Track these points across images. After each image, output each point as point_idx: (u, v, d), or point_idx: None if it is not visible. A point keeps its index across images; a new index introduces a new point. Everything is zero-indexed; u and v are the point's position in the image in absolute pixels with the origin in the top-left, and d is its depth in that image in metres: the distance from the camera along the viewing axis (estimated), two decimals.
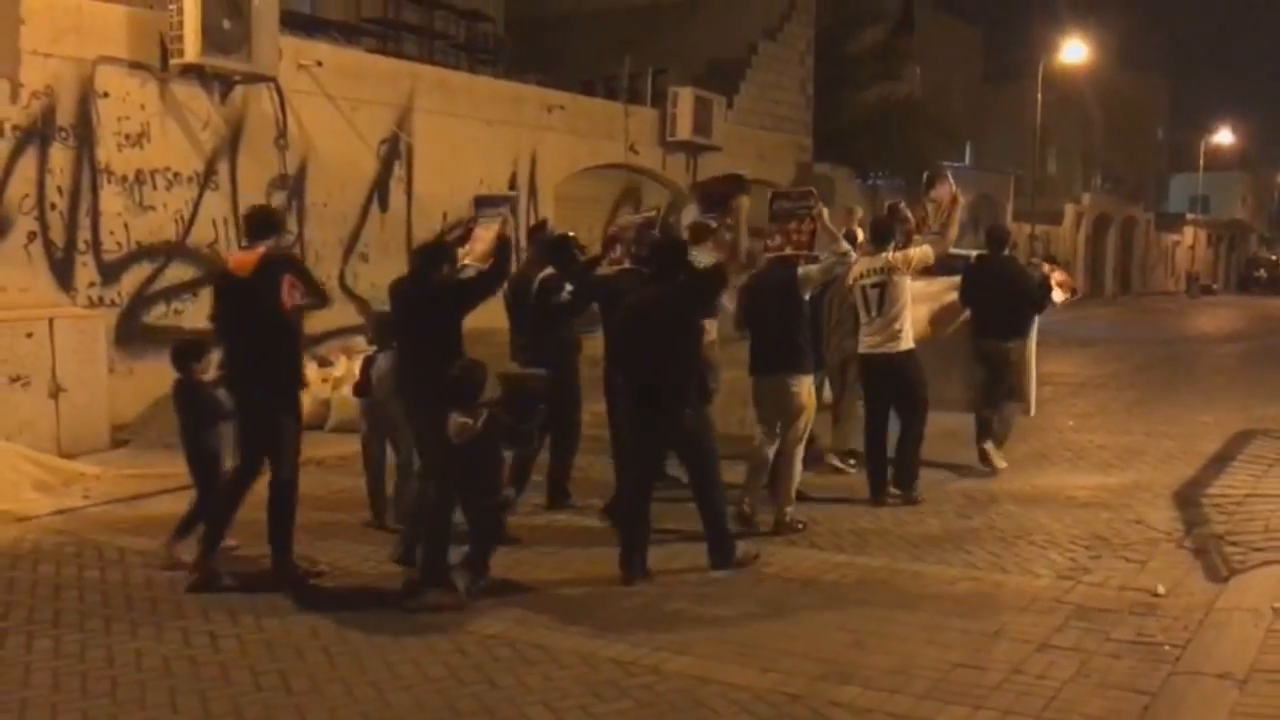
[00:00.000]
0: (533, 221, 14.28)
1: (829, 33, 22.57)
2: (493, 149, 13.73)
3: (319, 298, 6.22)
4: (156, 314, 10.15)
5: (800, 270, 7.09)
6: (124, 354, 9.72)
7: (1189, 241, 53.79)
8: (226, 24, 9.97)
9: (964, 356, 8.83)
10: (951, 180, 8.77)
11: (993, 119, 40.00)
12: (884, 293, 7.63)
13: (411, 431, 6.38)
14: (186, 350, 6.37)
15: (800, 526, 7.03)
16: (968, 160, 35.10)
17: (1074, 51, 33.59)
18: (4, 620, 5.40)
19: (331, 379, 10.27)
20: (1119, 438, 10.29)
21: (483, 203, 7.22)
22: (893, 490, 7.77)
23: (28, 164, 9.20)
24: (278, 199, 11.12)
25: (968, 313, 8.88)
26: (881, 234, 7.91)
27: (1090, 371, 15.43)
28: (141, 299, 9.94)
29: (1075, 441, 10.11)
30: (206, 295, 10.13)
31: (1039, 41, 35.57)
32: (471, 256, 6.60)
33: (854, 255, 7.63)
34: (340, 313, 11.70)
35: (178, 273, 10.22)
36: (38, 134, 9.23)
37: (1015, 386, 8.85)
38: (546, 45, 21.33)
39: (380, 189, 12.30)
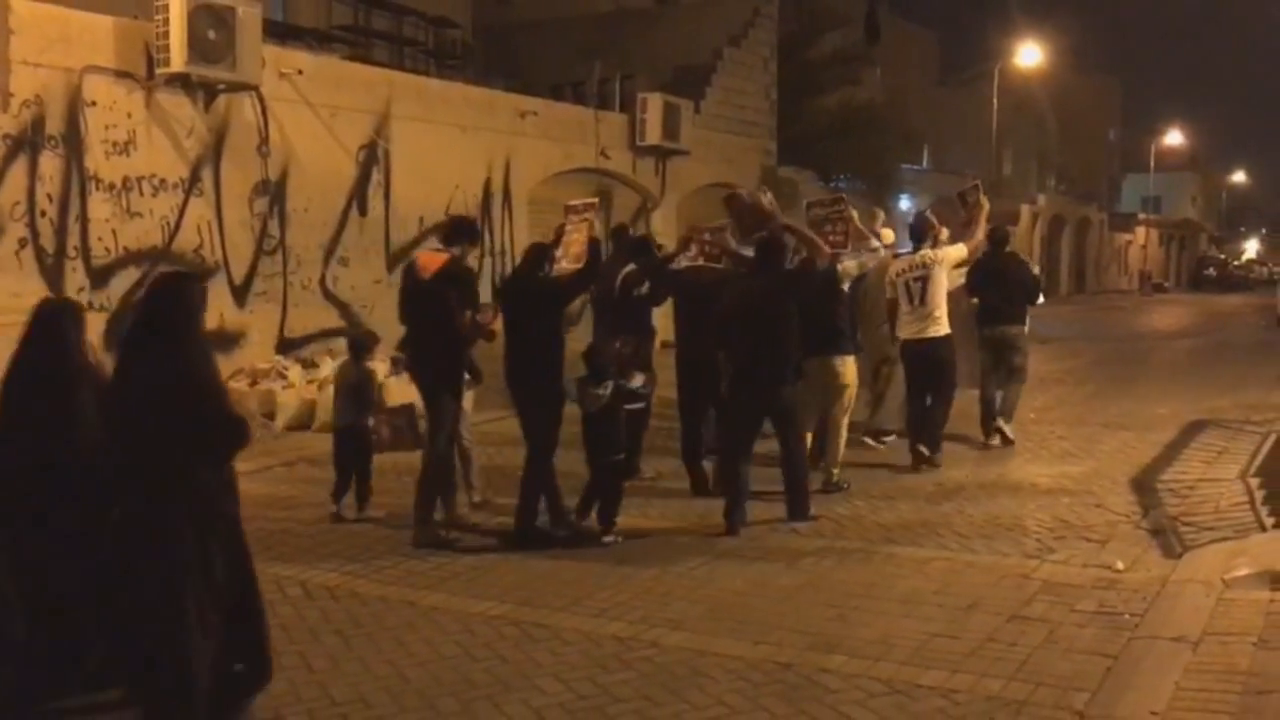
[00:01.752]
0: (507, 227, 14.69)
1: (792, 38, 23.00)
2: (468, 154, 13.99)
3: (476, 313, 6.90)
4: None
5: (839, 265, 8.08)
6: (113, 357, 9.87)
7: (1141, 241, 54.87)
8: (211, 34, 10.16)
9: (967, 341, 9.72)
10: (981, 192, 9.78)
11: (949, 122, 40.70)
12: (925, 286, 8.77)
13: (516, 408, 7.08)
14: (361, 342, 7.56)
15: (845, 486, 8.07)
16: (925, 163, 35.69)
17: (1028, 55, 34.29)
18: None
19: (317, 380, 10.52)
20: (1078, 429, 10.74)
21: (572, 210, 7.82)
22: (921, 449, 8.80)
23: (18, 172, 9.36)
24: (260, 205, 11.35)
25: (974, 302, 9.86)
26: (920, 234, 9.18)
27: (1049, 367, 15.92)
28: (130, 303, 10.09)
29: (1037, 433, 10.55)
30: None
31: (994, 45, 36.34)
32: (566, 258, 7.27)
33: (883, 250, 9.05)
34: (322, 316, 11.99)
35: None
36: (27, 142, 9.40)
37: (1019, 367, 9.89)
38: (514, 51, 21.61)
39: (359, 194, 12.53)
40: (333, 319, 12.07)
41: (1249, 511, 7.12)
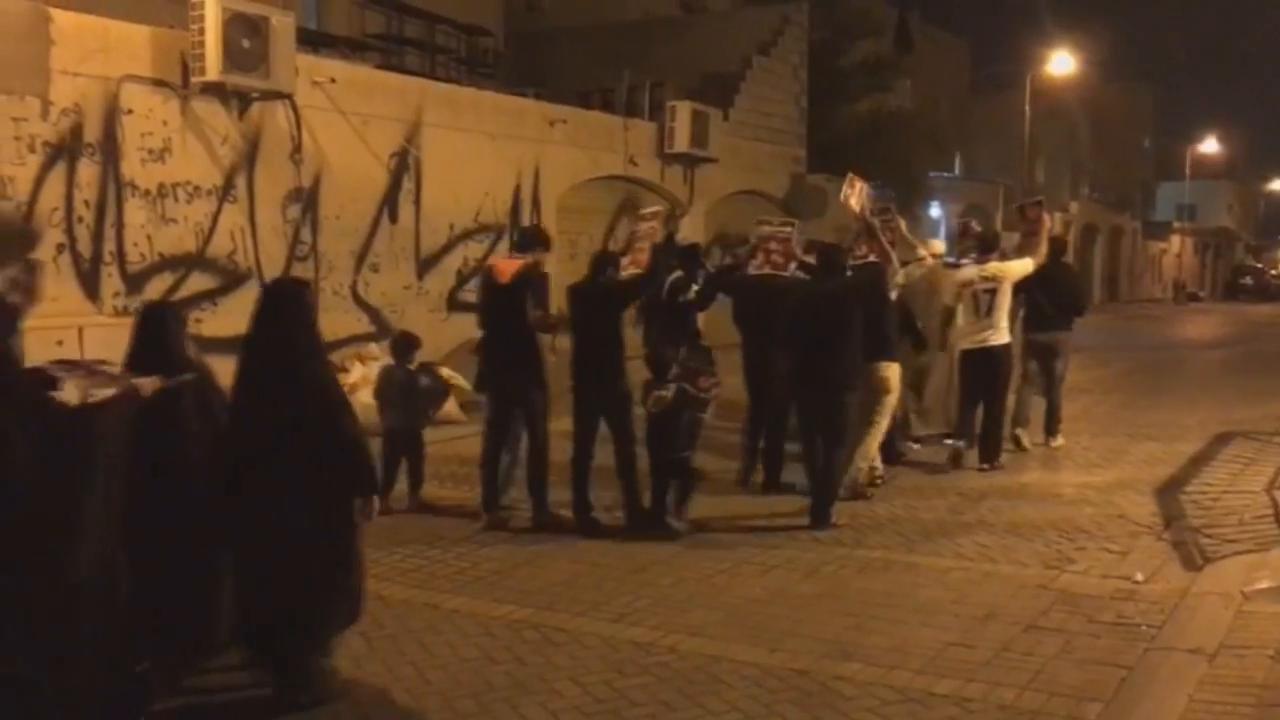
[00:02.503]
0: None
1: (822, 46, 23.02)
2: (498, 162, 14.12)
3: (544, 311, 7.45)
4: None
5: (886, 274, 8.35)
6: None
7: (1176, 249, 54.44)
8: (246, 43, 10.34)
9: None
10: (1044, 207, 10.35)
11: (982, 130, 40.55)
12: (993, 298, 9.14)
13: (582, 406, 7.46)
14: (404, 344, 8.00)
15: (870, 495, 8.21)
16: (957, 170, 35.59)
17: (1061, 63, 34.12)
18: None
19: (347, 385, 10.64)
20: (1104, 439, 10.71)
21: (640, 218, 8.17)
22: (981, 466, 9.14)
23: (57, 179, 9.56)
24: (292, 212, 11.51)
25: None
26: (989, 246, 9.60)
27: (1077, 376, 15.74)
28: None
29: (1061, 443, 10.50)
30: (226, 304, 10.62)
31: (1027, 53, 36.17)
32: (635, 264, 7.62)
33: (930, 259, 9.43)
34: (352, 321, 12.13)
35: (198, 282, 10.57)
36: (66, 150, 9.59)
37: (1060, 374, 10.22)
38: (544, 59, 21.79)
39: (390, 201, 12.67)
40: (363, 324, 12.21)
41: (1273, 524, 7.09)
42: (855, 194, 8.81)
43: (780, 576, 6.34)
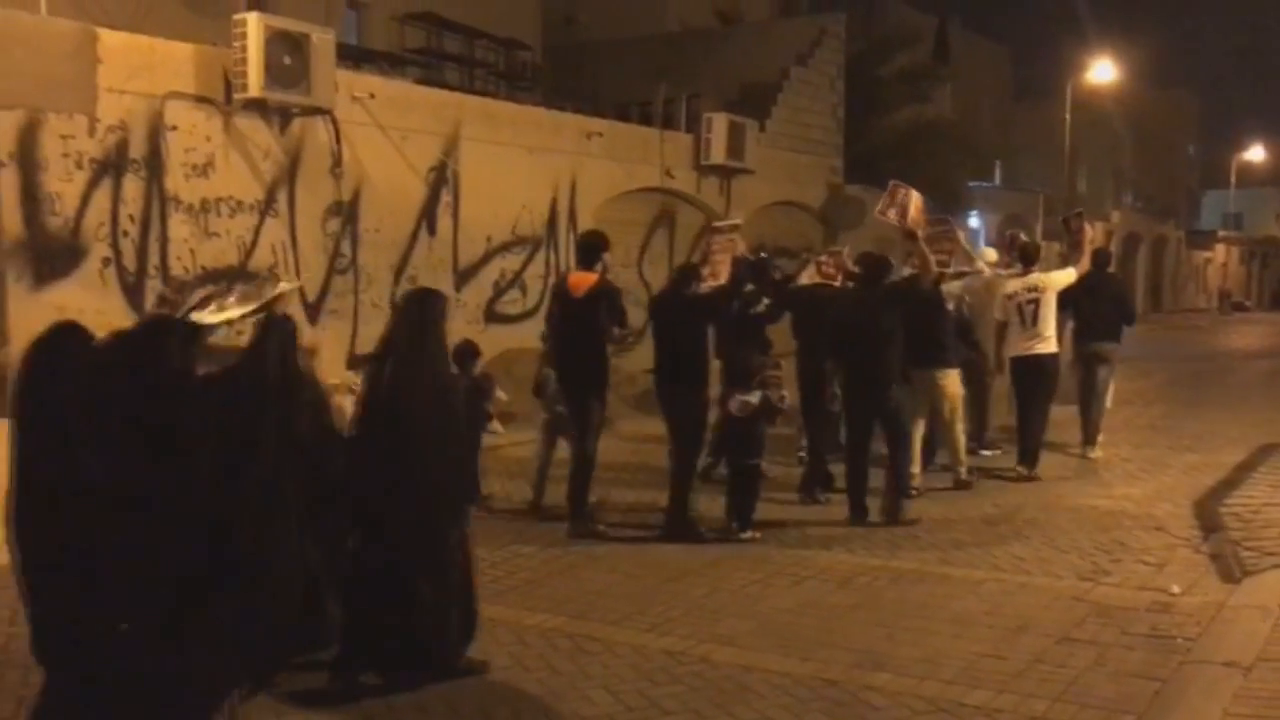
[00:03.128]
0: (572, 246, 14.89)
1: (861, 57, 22.98)
2: (535, 175, 14.23)
3: (622, 326, 7.79)
4: (219, 335, 10.66)
5: (944, 285, 8.66)
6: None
7: (1221, 259, 53.72)
8: (287, 60, 10.50)
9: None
10: (1086, 220, 10.63)
11: (1022, 138, 40.24)
12: (1037, 308, 9.38)
13: (665, 409, 7.76)
14: (465, 352, 7.82)
15: (973, 483, 8.80)
16: (997, 180, 35.36)
17: (1103, 71, 33.82)
18: None
19: None
20: (1144, 450, 10.64)
21: (716, 230, 8.53)
22: (1020, 465, 9.39)
23: (102, 194, 9.74)
24: (332, 225, 11.67)
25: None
26: (1032, 257, 9.77)
27: (1117, 387, 15.68)
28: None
29: (1102, 455, 10.45)
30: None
31: (1068, 60, 35.87)
32: (713, 277, 7.97)
33: (987, 270, 9.84)
34: None
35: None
36: (112, 166, 9.77)
37: (1105, 382, 10.40)
38: (582, 72, 21.92)
39: (429, 215, 12.80)
40: None
41: None
42: (896, 205, 8.77)
43: (813, 587, 6.35)
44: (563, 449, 8.12)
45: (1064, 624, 5.59)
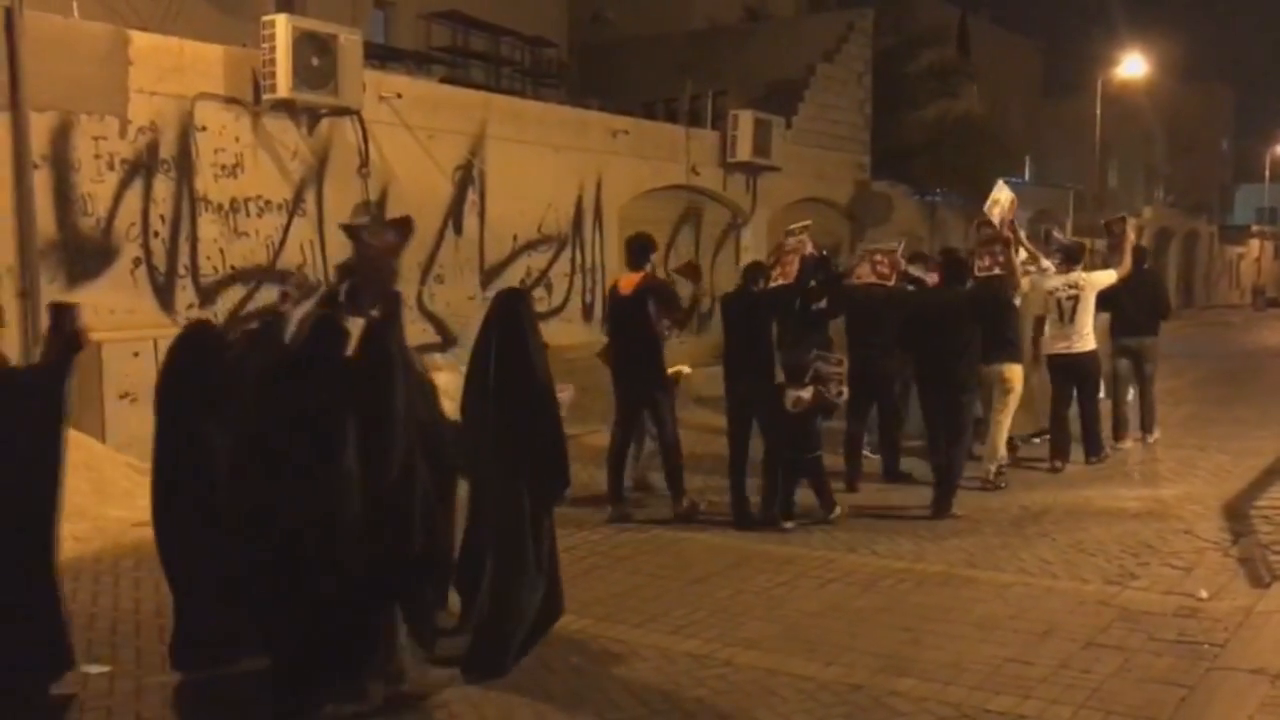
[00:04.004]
0: (598, 244, 14.94)
1: (888, 53, 22.88)
2: (561, 173, 14.27)
3: (677, 315, 8.44)
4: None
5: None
6: None
7: (1254, 254, 53.11)
8: (315, 61, 10.57)
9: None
10: (1129, 223, 11.05)
11: (1053, 133, 39.97)
12: (1076, 305, 9.63)
13: (733, 399, 8.15)
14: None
15: (1004, 485, 8.90)
16: (1027, 176, 35.12)
17: (1134, 65, 33.52)
18: (137, 614, 5.96)
19: None
20: (1173, 451, 10.54)
21: (789, 233, 8.76)
22: (1090, 459, 9.82)
23: (133, 195, 9.84)
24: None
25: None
26: (1074, 257, 10.04)
27: None
28: (236, 320, 10.52)
29: (1130, 455, 10.39)
30: (298, 316, 10.84)
31: (1099, 55, 35.56)
32: (783, 276, 8.22)
33: (1052, 270, 10.04)
34: (417, 331, 12.31)
35: (269, 295, 10.77)
36: (143, 166, 9.87)
37: (1150, 376, 10.78)
38: (608, 69, 21.93)
39: (455, 214, 12.86)
40: (428, 334, 12.39)
41: None
42: (1000, 204, 9.28)
43: (838, 590, 6.35)
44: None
45: (1090, 629, 5.56)
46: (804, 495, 7.90)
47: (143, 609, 6.05)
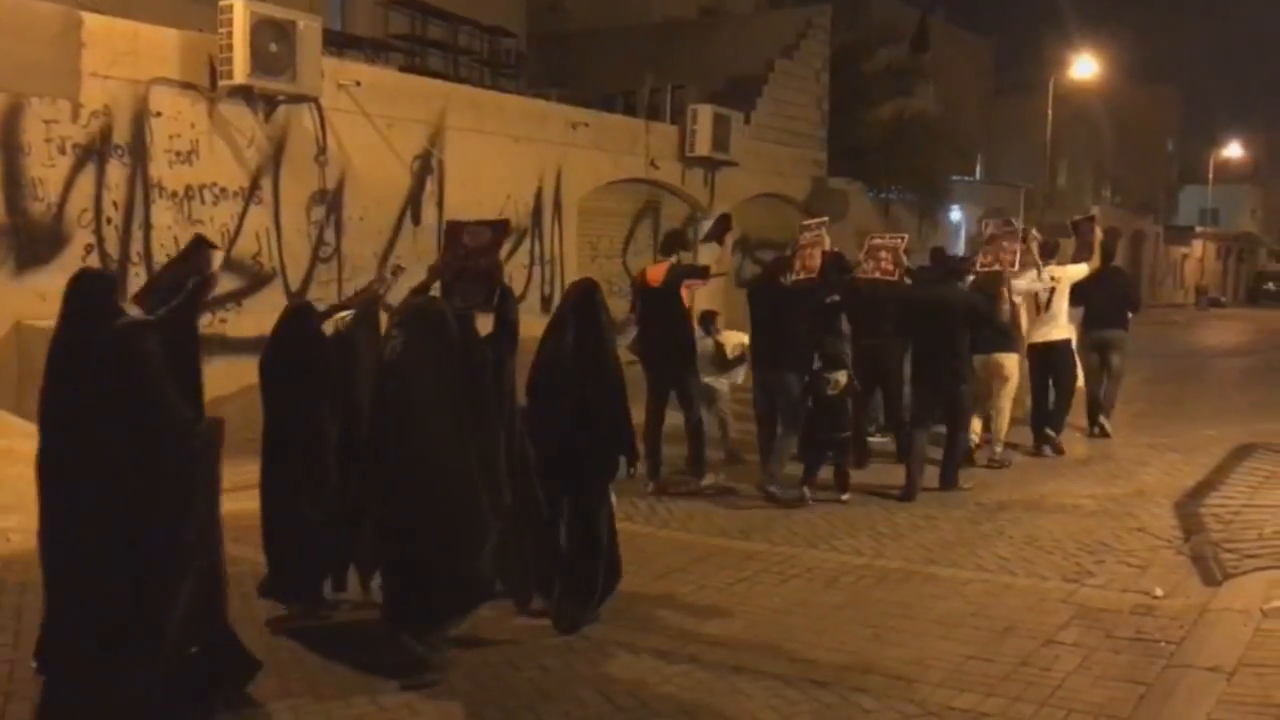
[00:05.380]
0: (557, 235, 14.88)
1: (845, 50, 22.97)
2: (520, 164, 14.18)
3: (702, 274, 8.89)
4: (202, 323, 10.57)
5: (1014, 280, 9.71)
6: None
7: (1198, 254, 54.04)
8: (273, 47, 10.41)
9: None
10: (1098, 223, 12.02)
11: (1004, 132, 40.38)
12: (1051, 297, 10.38)
13: (763, 387, 8.85)
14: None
15: (1008, 463, 9.76)
16: (979, 174, 35.46)
17: (1084, 66, 33.96)
18: None
19: None
20: (1123, 449, 10.71)
21: (805, 227, 9.23)
22: (1048, 432, 10.46)
23: (86, 180, 9.66)
24: (317, 213, 11.59)
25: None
26: (1051, 252, 10.69)
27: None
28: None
29: (1081, 452, 10.55)
30: (251, 305, 10.72)
31: (1050, 55, 36.01)
32: (805, 270, 8.70)
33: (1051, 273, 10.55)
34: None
35: (224, 283, 10.54)
36: (95, 151, 9.69)
37: (1118, 367, 11.43)
38: (567, 60, 21.82)
39: (413, 204, 12.74)
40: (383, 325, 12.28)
41: None
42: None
43: (800, 586, 6.38)
44: None
45: (1049, 626, 5.63)
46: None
47: None
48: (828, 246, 8.90)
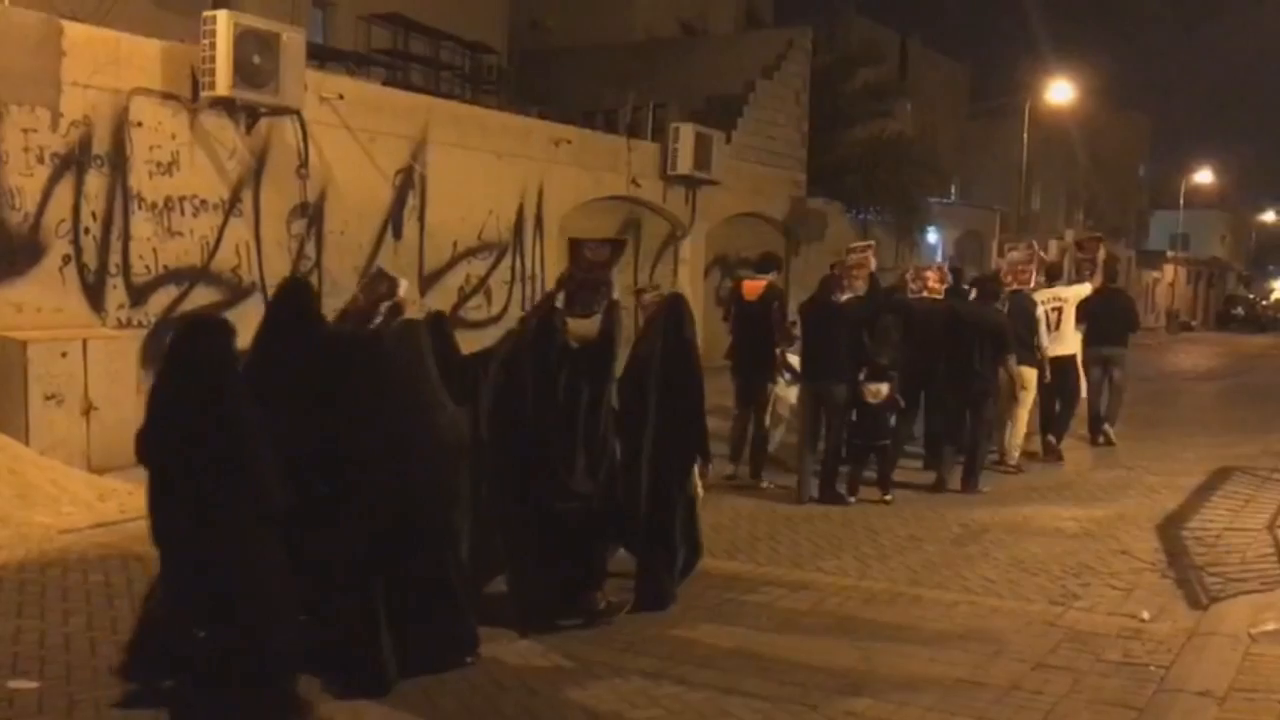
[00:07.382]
0: (538, 252, 14.84)
1: (825, 71, 23.10)
2: (502, 180, 14.14)
3: (782, 328, 9.73)
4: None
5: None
6: (151, 374, 10.02)
7: (1169, 279, 54.58)
8: (256, 59, 10.34)
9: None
10: (1104, 243, 12.84)
11: (979, 155, 40.69)
12: (1060, 315, 11.21)
13: (816, 397, 9.35)
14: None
15: (1021, 469, 10.61)
16: (954, 196, 35.69)
17: (1059, 91, 34.26)
18: (65, 625, 5.74)
19: None
20: (1103, 472, 10.75)
21: (851, 250, 10.28)
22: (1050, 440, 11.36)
23: (65, 190, 9.53)
24: (297, 227, 11.51)
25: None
26: (1056, 274, 11.79)
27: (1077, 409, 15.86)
28: (168, 321, 10.22)
29: (1062, 475, 10.58)
30: (231, 317, 10.56)
31: (1024, 79, 36.29)
32: (851, 289, 9.59)
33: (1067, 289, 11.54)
34: None
35: (203, 296, 10.53)
36: (75, 161, 9.57)
37: (1120, 381, 12.27)
38: (548, 77, 21.85)
39: (395, 218, 12.67)
40: None
41: (1276, 564, 7.10)
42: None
43: (787, 607, 6.34)
44: None
45: (1038, 649, 5.61)
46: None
47: (72, 621, 5.81)
48: (873, 267, 9.82)
